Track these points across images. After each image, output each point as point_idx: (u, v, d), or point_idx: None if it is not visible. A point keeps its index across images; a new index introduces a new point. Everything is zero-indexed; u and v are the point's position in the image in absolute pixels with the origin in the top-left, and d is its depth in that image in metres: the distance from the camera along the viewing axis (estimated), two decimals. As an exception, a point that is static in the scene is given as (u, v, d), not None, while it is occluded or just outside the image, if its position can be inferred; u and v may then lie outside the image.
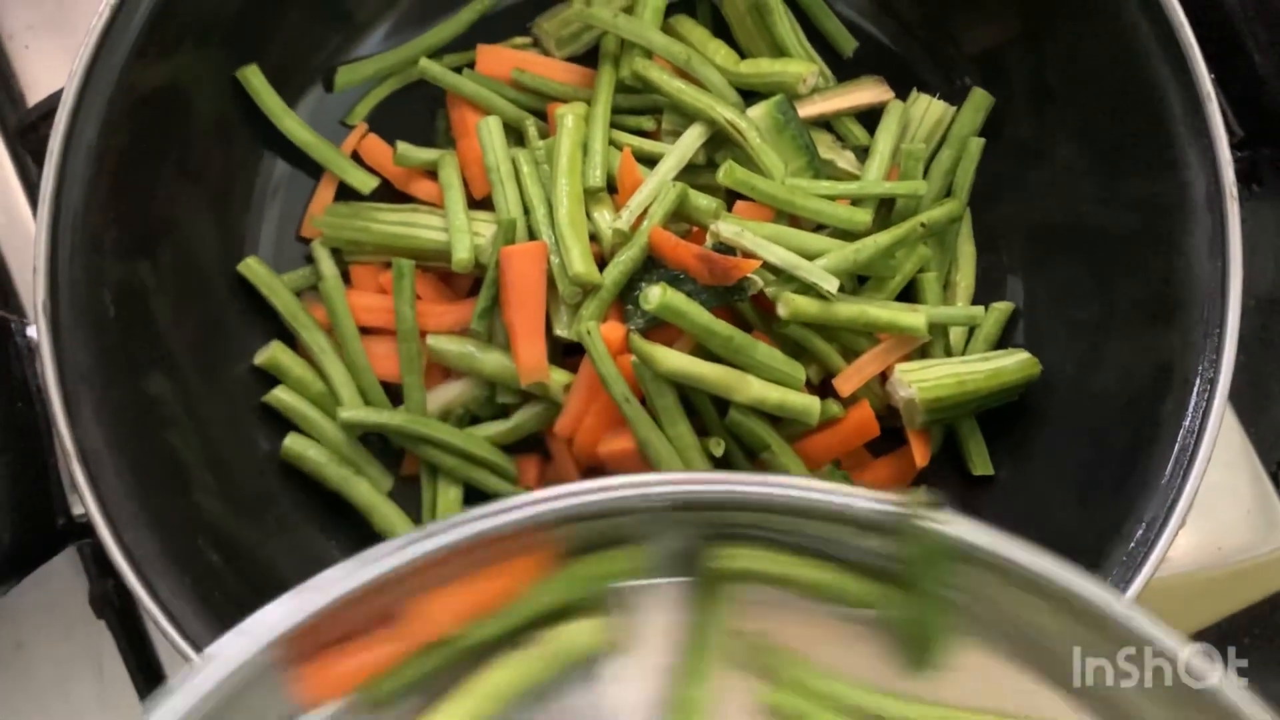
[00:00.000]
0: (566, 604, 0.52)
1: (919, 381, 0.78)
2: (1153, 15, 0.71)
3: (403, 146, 0.86)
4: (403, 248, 0.84)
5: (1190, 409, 0.69)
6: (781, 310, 0.76)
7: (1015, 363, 0.81)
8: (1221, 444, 0.83)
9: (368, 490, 0.83)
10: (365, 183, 0.86)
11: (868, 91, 0.88)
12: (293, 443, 0.82)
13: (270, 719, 0.49)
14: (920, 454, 0.81)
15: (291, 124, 0.86)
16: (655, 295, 0.74)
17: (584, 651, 0.52)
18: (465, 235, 0.81)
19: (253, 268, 0.84)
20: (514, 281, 0.79)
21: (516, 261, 0.79)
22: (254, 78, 0.84)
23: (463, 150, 0.86)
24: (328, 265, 0.85)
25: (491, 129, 0.84)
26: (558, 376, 0.80)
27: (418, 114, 0.90)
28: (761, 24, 0.86)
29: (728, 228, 0.76)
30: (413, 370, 0.82)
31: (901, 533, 0.49)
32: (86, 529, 0.69)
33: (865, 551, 0.51)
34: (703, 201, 0.80)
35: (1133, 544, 0.68)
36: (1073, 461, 0.77)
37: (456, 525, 0.48)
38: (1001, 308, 0.84)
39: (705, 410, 0.79)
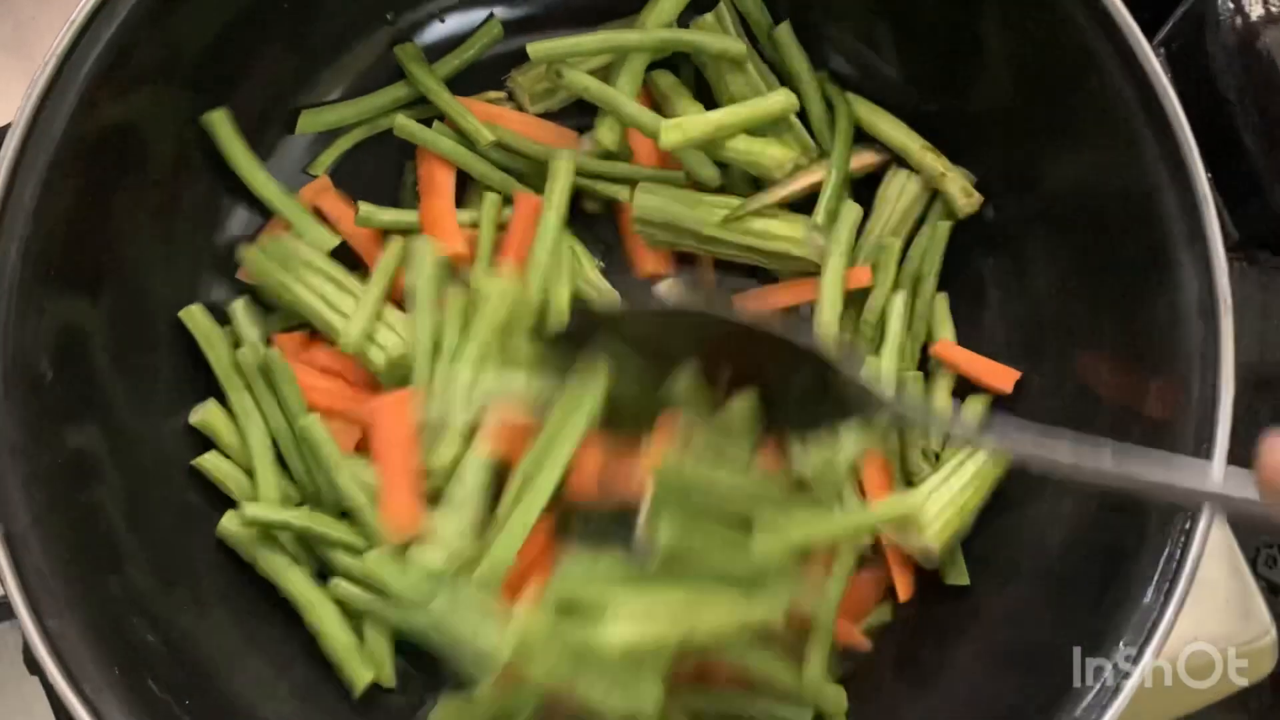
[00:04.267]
0: None
1: (930, 530, 0.75)
2: (1152, 113, 0.68)
3: (365, 208, 0.82)
4: (315, 322, 0.80)
5: (1175, 527, 0.66)
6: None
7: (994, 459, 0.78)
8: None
9: (301, 581, 0.77)
10: (325, 241, 0.82)
11: (858, 159, 0.85)
12: (229, 522, 0.77)
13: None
14: (904, 588, 0.79)
15: (256, 175, 0.81)
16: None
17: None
18: (366, 345, 0.77)
19: (194, 316, 0.79)
20: (384, 433, 0.76)
21: (387, 415, 0.76)
22: (220, 124, 0.80)
23: (426, 209, 0.83)
24: (250, 331, 0.80)
25: (425, 253, 0.79)
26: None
27: (386, 166, 0.86)
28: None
29: None
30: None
31: None
32: (8, 611, 0.65)
33: None
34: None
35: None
36: (1051, 570, 0.75)
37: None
38: (979, 402, 0.82)
39: None
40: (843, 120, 0.83)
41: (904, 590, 0.79)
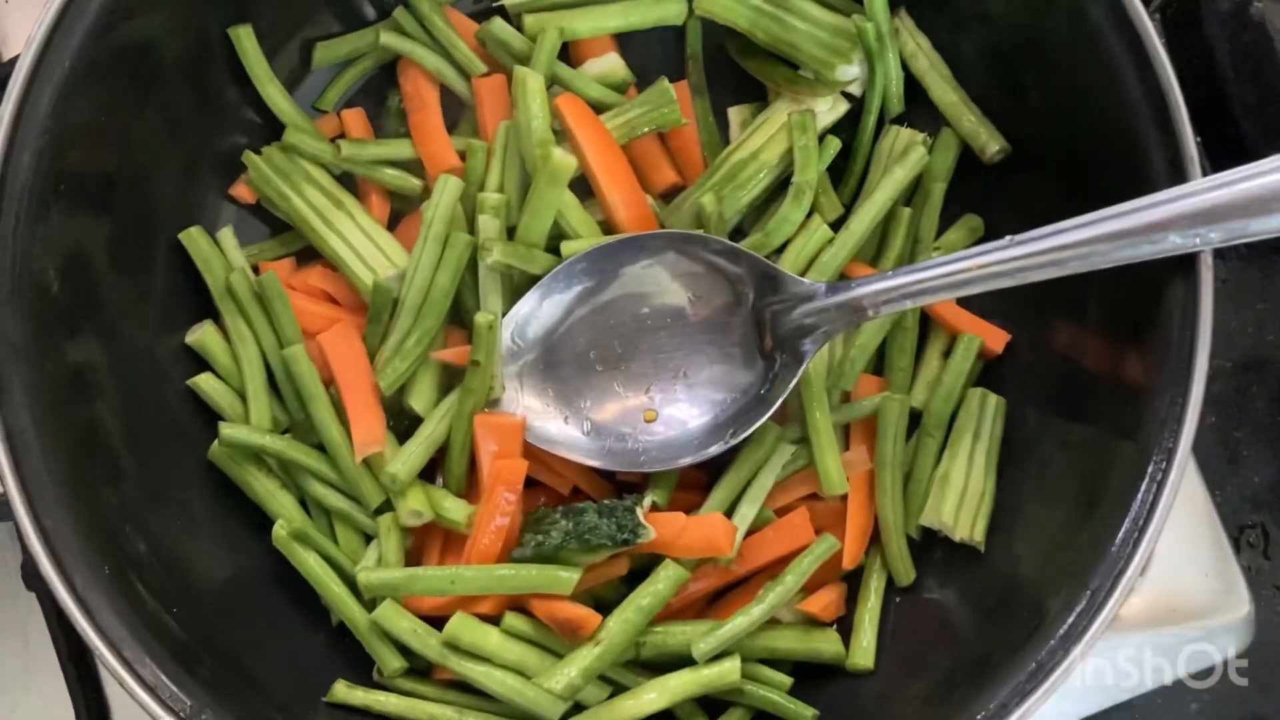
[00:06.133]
0: None
1: (978, 530, 0.78)
2: (1145, 77, 0.69)
3: (349, 146, 0.82)
4: (309, 237, 0.82)
5: (1146, 479, 0.67)
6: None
7: (995, 403, 0.80)
8: (1184, 505, 0.81)
9: (288, 507, 0.79)
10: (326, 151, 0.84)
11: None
12: (221, 446, 0.78)
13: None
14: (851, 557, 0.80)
15: (274, 93, 0.83)
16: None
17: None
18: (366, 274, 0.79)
19: (194, 239, 0.81)
20: (339, 361, 0.78)
21: (336, 342, 0.79)
22: (246, 39, 0.81)
23: (417, 124, 0.84)
24: (236, 256, 0.82)
25: (450, 189, 0.78)
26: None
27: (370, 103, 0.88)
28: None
29: None
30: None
31: None
32: (7, 511, 0.66)
33: None
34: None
35: (1076, 612, 0.66)
36: (1026, 512, 0.76)
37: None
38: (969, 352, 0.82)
39: None
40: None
41: (851, 558, 0.80)
